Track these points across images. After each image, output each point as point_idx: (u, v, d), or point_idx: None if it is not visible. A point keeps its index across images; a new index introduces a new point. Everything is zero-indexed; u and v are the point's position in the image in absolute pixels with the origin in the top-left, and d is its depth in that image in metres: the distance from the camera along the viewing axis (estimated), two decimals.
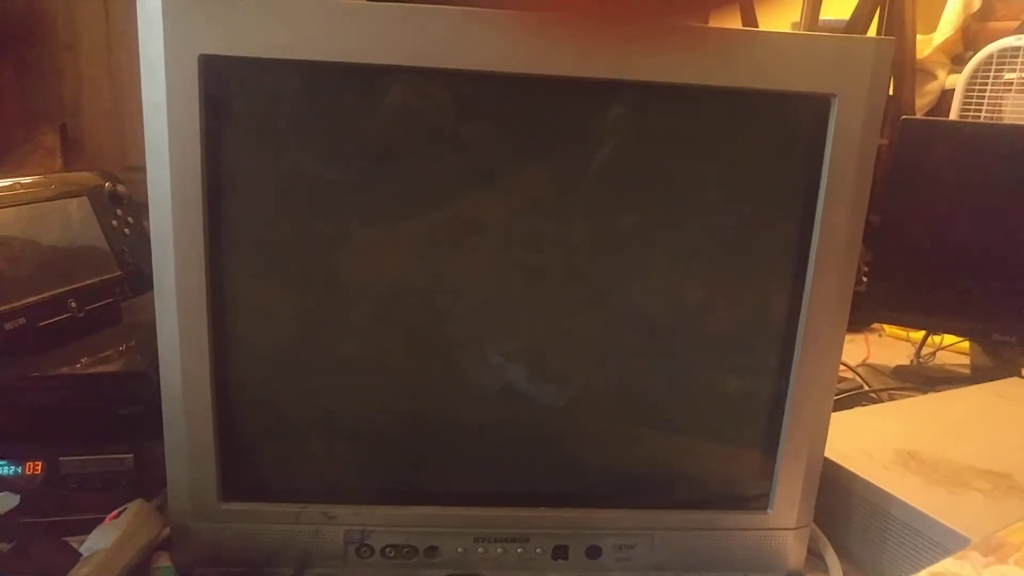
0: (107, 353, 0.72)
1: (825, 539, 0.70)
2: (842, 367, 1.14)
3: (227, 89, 0.53)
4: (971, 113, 1.68)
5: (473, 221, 0.59)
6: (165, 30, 0.51)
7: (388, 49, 0.52)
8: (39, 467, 0.65)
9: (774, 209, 0.60)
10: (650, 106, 0.58)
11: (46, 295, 0.72)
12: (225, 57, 0.52)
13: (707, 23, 0.70)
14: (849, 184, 0.58)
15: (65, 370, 0.68)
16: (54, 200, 0.78)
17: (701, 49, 0.55)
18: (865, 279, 1.18)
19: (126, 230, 0.84)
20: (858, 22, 1.53)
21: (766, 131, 0.59)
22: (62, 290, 0.74)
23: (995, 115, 1.64)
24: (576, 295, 0.62)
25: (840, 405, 0.95)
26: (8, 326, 0.67)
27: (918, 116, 1.72)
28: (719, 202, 0.61)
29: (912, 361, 1.24)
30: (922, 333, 1.26)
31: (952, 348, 1.28)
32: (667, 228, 0.61)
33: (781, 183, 0.60)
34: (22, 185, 0.76)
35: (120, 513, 0.61)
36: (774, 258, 0.61)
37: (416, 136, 0.57)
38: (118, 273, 0.82)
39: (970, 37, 1.95)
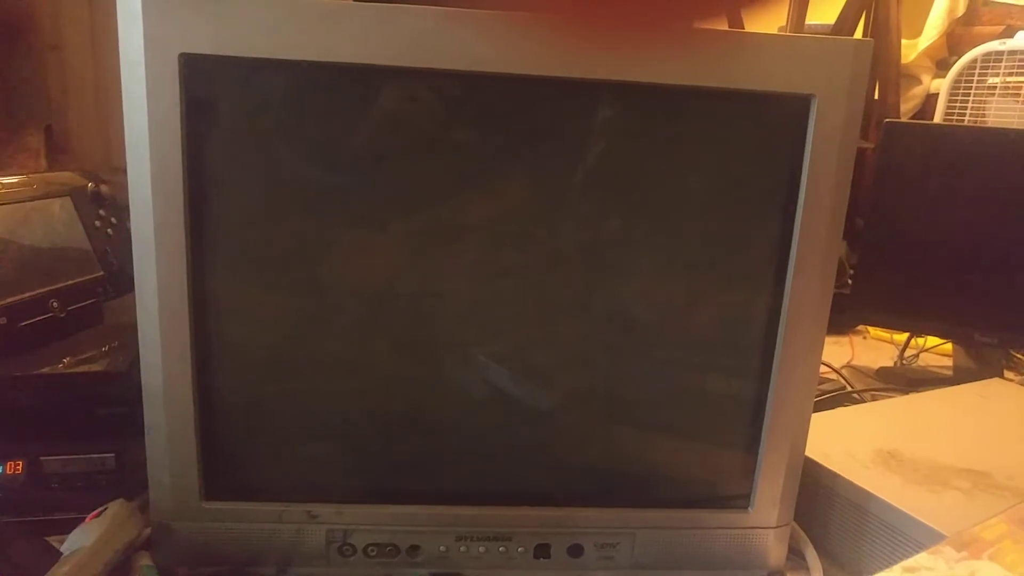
0: (89, 353, 0.72)
1: (806, 537, 0.70)
2: (826, 368, 1.15)
3: (208, 88, 0.53)
4: (955, 117, 1.69)
5: (458, 222, 0.59)
6: (145, 29, 0.51)
7: (372, 49, 0.52)
8: (20, 466, 0.65)
9: (755, 210, 0.61)
10: (632, 107, 0.58)
11: (28, 295, 0.72)
12: (206, 56, 0.52)
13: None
14: (829, 184, 0.58)
15: (47, 370, 0.68)
16: (37, 200, 0.78)
17: (682, 50, 0.55)
18: (850, 281, 1.19)
19: (109, 230, 0.84)
20: (843, 26, 1.54)
21: (746, 132, 0.60)
22: (44, 290, 0.74)
23: (979, 119, 1.66)
24: (559, 297, 0.62)
25: (823, 406, 0.96)
26: None
27: (903, 120, 1.73)
28: (700, 203, 0.61)
29: (896, 363, 1.25)
30: (906, 335, 1.27)
31: (935, 350, 1.29)
32: (649, 229, 0.61)
33: (761, 184, 0.60)
34: (4, 185, 0.76)
35: (101, 512, 0.61)
36: (755, 258, 0.61)
37: (401, 137, 0.57)
38: (100, 273, 0.81)
39: (954, 42, 1.97)
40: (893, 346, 1.32)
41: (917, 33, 1.98)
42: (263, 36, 0.52)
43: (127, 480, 0.66)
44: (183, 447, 0.59)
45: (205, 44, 0.51)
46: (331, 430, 0.63)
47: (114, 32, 0.52)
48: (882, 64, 1.57)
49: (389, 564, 0.63)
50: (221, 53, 0.52)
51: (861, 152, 0.59)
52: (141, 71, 0.51)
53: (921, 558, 0.49)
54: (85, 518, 0.61)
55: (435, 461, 0.64)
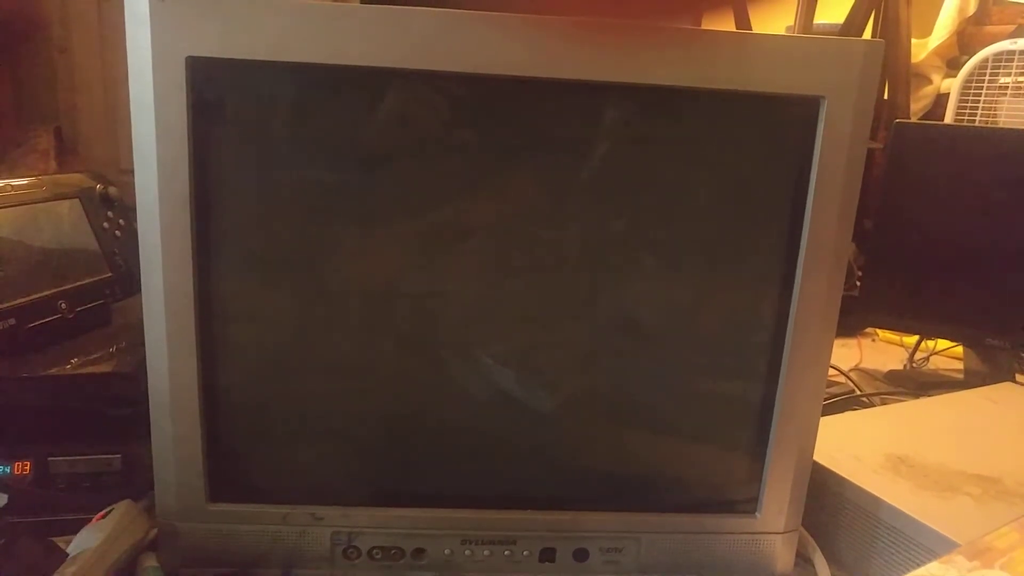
0: (96, 354, 0.72)
1: (814, 543, 0.69)
2: (834, 371, 1.14)
3: (215, 91, 0.53)
4: (966, 117, 1.68)
5: (463, 224, 0.59)
6: (152, 31, 0.51)
7: (378, 51, 0.52)
8: (28, 467, 0.65)
9: (763, 212, 0.60)
10: (640, 109, 0.58)
11: (36, 296, 0.72)
12: (213, 59, 0.52)
13: (699, 26, 0.70)
14: (838, 186, 0.58)
15: (55, 371, 0.68)
16: (46, 202, 0.78)
17: (691, 51, 0.55)
18: (859, 283, 1.18)
19: (117, 232, 0.84)
20: (852, 26, 1.53)
21: (755, 133, 0.59)
22: (52, 291, 0.74)
23: (990, 119, 1.65)
24: (565, 298, 0.62)
25: (831, 409, 0.95)
26: None
27: (913, 120, 1.72)
28: (708, 205, 0.61)
29: (905, 366, 1.24)
30: (915, 338, 1.26)
31: (946, 353, 1.28)
32: (656, 231, 0.61)
33: (770, 186, 0.60)
34: (13, 187, 0.76)
35: (107, 513, 0.61)
36: (763, 261, 0.61)
37: (407, 139, 0.57)
38: (108, 275, 0.82)
39: (965, 41, 1.96)
40: (903, 349, 1.31)
41: (927, 32, 1.97)
42: (270, 39, 0.52)
43: (133, 481, 0.66)
44: (189, 448, 0.59)
45: (212, 47, 0.51)
46: (337, 432, 0.63)
47: (122, 34, 0.52)
48: (892, 63, 1.57)
49: (393, 567, 0.63)
50: (228, 56, 0.52)
51: (870, 153, 0.59)
52: (148, 73, 0.51)
53: (933, 567, 0.48)
54: (92, 519, 0.61)
55: (440, 464, 0.64)
